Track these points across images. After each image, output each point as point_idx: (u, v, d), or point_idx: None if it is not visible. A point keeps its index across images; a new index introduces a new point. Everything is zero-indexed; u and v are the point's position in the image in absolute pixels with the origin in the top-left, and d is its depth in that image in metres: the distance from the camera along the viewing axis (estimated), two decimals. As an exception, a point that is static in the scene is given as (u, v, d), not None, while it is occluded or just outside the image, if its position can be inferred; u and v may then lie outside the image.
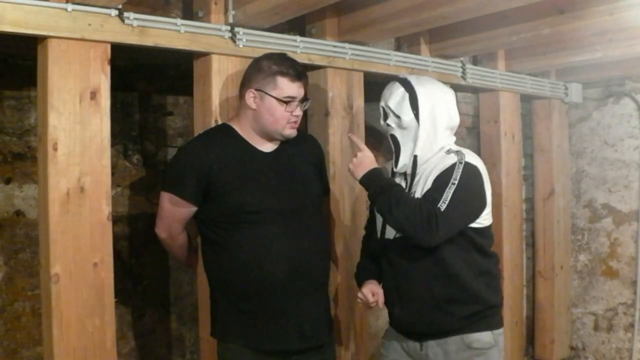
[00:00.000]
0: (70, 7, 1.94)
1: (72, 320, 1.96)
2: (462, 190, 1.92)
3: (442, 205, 1.89)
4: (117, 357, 2.09)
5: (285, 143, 2.12)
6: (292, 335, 2.03)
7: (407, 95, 2.07)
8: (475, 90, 3.52)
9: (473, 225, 2.01)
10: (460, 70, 3.17)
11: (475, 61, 3.47)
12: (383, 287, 2.17)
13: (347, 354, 2.69)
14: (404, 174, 2.13)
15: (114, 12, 2.02)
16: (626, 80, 3.70)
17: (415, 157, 2.07)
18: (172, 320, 2.81)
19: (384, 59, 2.83)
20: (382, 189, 2.00)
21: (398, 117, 2.09)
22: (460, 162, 1.97)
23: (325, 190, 2.34)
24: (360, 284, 2.21)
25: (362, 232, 2.41)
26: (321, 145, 2.38)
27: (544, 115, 3.83)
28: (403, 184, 2.11)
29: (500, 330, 2.10)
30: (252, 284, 2.00)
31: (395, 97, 2.10)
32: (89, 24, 1.98)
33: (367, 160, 2.06)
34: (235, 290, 2.03)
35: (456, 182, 1.93)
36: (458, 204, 1.91)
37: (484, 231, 2.07)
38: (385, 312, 3.12)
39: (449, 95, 2.14)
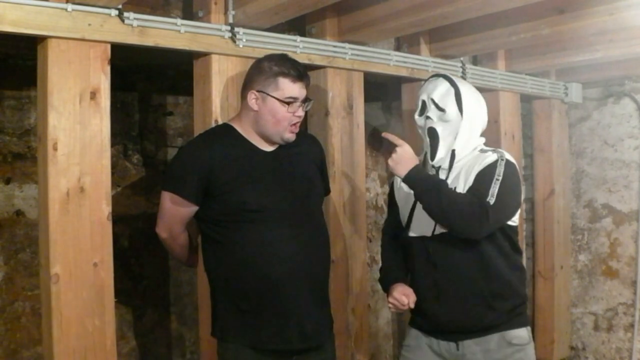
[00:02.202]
0: (70, 7, 1.93)
1: (72, 320, 1.96)
2: (505, 186, 1.96)
3: (491, 200, 1.93)
4: (117, 357, 2.09)
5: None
6: (292, 335, 2.02)
7: (452, 90, 2.11)
8: (475, 90, 3.52)
9: (509, 222, 2.05)
10: (460, 70, 3.16)
11: (475, 61, 3.47)
12: (416, 286, 2.16)
13: (347, 354, 2.69)
14: (438, 169, 2.13)
15: (114, 12, 2.02)
16: (626, 80, 3.70)
17: (453, 151, 2.09)
18: (172, 320, 2.81)
19: (384, 59, 2.83)
20: (430, 186, 1.99)
21: (442, 109, 2.11)
22: (502, 159, 2.01)
23: (326, 189, 2.34)
24: (386, 289, 2.20)
25: (363, 232, 2.40)
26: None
27: (544, 115, 3.83)
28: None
29: (529, 327, 2.15)
30: (252, 283, 2.00)
31: (441, 90, 2.12)
32: (89, 24, 1.98)
33: (407, 155, 2.04)
34: (236, 289, 2.02)
35: (500, 177, 1.96)
36: (504, 199, 1.95)
37: (516, 228, 2.12)
38: (384, 313, 3.08)
39: (482, 98, 2.20)
